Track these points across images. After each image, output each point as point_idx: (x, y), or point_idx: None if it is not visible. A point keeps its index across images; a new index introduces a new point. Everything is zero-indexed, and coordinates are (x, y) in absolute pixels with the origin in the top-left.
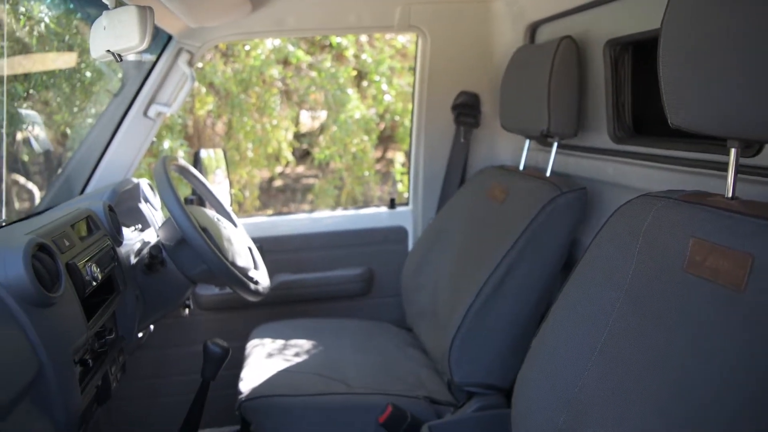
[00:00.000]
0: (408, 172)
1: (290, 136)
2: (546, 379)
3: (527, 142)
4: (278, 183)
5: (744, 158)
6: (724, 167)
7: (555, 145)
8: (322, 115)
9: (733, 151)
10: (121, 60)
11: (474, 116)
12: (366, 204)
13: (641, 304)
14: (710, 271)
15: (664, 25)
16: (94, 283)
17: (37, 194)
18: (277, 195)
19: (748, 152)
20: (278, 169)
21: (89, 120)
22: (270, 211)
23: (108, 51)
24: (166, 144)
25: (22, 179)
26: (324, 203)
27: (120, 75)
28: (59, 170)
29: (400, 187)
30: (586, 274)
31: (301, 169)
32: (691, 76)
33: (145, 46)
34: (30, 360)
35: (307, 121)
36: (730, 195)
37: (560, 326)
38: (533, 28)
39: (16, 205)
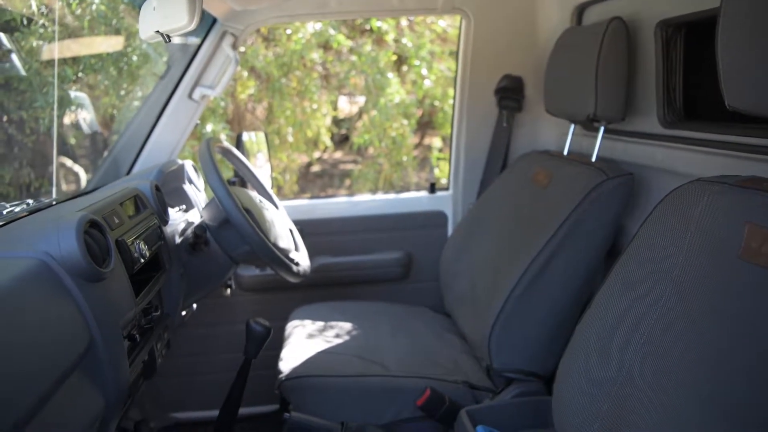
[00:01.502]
0: (449, 157)
1: (329, 121)
2: (590, 367)
3: (572, 126)
4: (316, 168)
5: None
6: None
7: (601, 129)
8: (361, 100)
9: None
10: (170, 40)
11: (517, 100)
12: (404, 190)
13: (691, 292)
14: (767, 259)
15: (724, 4)
16: (142, 260)
17: (83, 176)
18: (314, 180)
19: None
20: (316, 154)
21: (135, 102)
22: (308, 196)
23: (157, 32)
24: (209, 127)
25: (69, 161)
26: (361, 189)
27: (165, 58)
28: (106, 152)
29: (437, 172)
30: (633, 260)
31: (338, 154)
32: (751, 57)
33: (193, 26)
34: (82, 332)
35: (345, 106)
36: None
37: (605, 313)
38: (580, 10)
39: (64, 186)
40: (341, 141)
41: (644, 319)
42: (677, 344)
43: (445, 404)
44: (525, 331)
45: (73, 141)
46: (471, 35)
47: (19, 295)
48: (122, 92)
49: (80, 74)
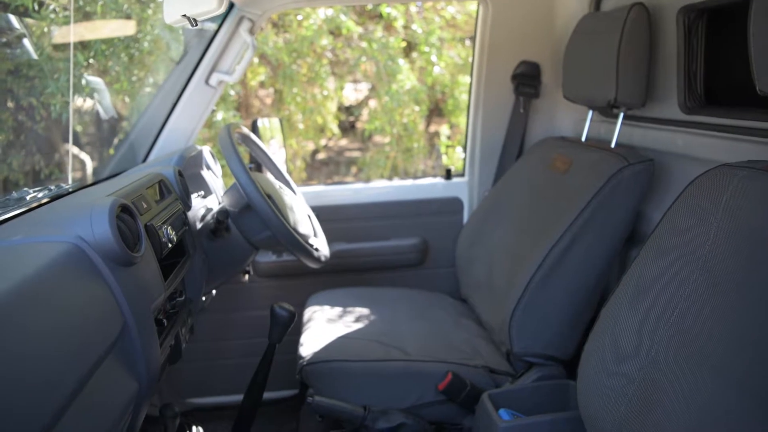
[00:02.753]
0: (464, 143)
1: (334, 108)
2: (616, 349)
3: (590, 112)
4: (322, 155)
5: None
6: None
7: (621, 115)
8: (365, 87)
9: None
10: (196, 25)
11: (534, 86)
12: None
13: (720, 275)
14: None
15: None
16: (170, 245)
17: (89, 164)
18: (320, 167)
19: None
20: (323, 141)
21: (148, 89)
22: (314, 183)
23: (183, 15)
24: (220, 115)
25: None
26: (369, 177)
27: (181, 44)
28: (115, 138)
29: (444, 159)
30: (660, 244)
31: (344, 141)
32: None
33: (222, 9)
34: (116, 317)
35: (350, 93)
36: None
37: (632, 296)
38: None
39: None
40: (347, 128)
41: (672, 301)
42: (705, 326)
43: (466, 388)
44: (545, 315)
45: (86, 128)
46: (488, 21)
47: (54, 279)
48: (134, 78)
49: (91, 60)
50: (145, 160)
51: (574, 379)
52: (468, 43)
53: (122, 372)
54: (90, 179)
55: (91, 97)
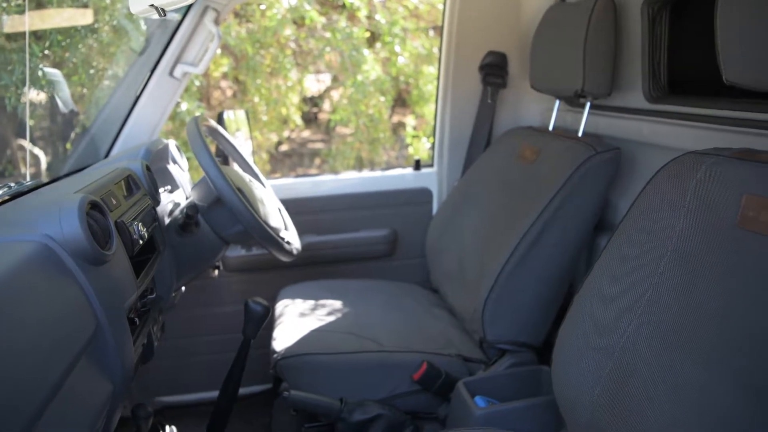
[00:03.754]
0: (433, 134)
1: (296, 99)
2: (589, 333)
3: (557, 102)
4: (285, 147)
5: None
6: (765, 125)
7: (588, 105)
8: (328, 78)
9: None
10: (164, 15)
11: (501, 77)
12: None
13: (689, 260)
14: (764, 226)
15: None
16: (141, 242)
17: (44, 159)
18: (284, 159)
19: None
20: (285, 133)
21: (107, 82)
22: (278, 175)
23: (152, 6)
24: (184, 106)
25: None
26: (332, 168)
27: (142, 35)
28: (78, 132)
29: (410, 150)
30: (630, 230)
31: (307, 133)
32: (750, 32)
33: None
34: (88, 317)
35: (313, 84)
36: None
37: (604, 282)
38: None
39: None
40: (310, 120)
41: (643, 286)
42: (676, 309)
43: (441, 377)
44: (517, 303)
45: (43, 121)
46: (455, 12)
47: (23, 281)
48: (93, 70)
49: (47, 51)
50: (107, 154)
51: (546, 365)
52: (432, 33)
53: (96, 373)
54: (46, 176)
55: (48, 90)
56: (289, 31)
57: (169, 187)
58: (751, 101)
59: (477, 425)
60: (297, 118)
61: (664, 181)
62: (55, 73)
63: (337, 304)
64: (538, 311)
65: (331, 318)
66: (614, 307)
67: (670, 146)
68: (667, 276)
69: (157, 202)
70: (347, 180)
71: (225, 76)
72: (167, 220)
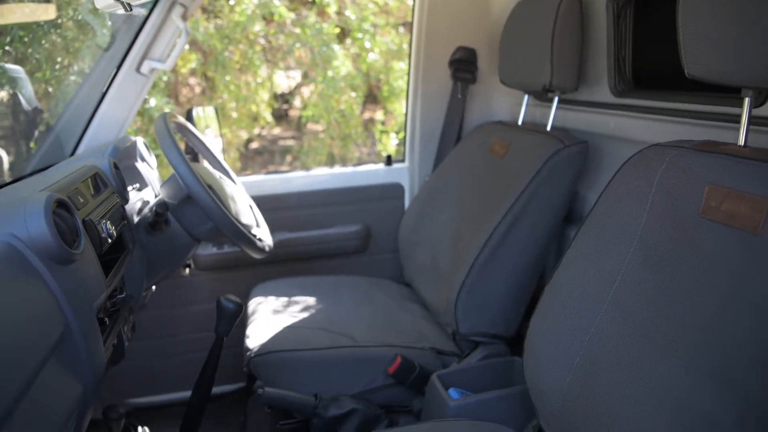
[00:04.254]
0: (404, 129)
1: (267, 96)
2: (560, 323)
3: (526, 97)
4: (255, 144)
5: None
6: (725, 118)
7: (556, 99)
8: (298, 74)
9: (746, 100)
10: (130, 9)
11: (471, 72)
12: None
13: (655, 250)
14: (726, 216)
15: None
16: (110, 241)
17: (5, 158)
18: (254, 157)
19: (755, 102)
20: (256, 130)
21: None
22: (249, 173)
23: (117, 0)
24: (152, 102)
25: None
26: (304, 165)
27: (108, 30)
28: (42, 130)
29: (380, 146)
30: (598, 222)
31: (277, 130)
32: (712, 27)
33: None
34: (57, 318)
35: (282, 80)
36: (742, 143)
37: (573, 273)
38: None
39: None
40: (280, 117)
41: (611, 276)
42: (642, 299)
43: (415, 370)
44: (489, 296)
45: (5, 120)
46: (425, 7)
47: None
48: (57, 66)
49: (8, 48)
50: (73, 153)
51: (518, 356)
52: (402, 29)
53: (66, 375)
54: (8, 175)
55: (10, 87)
56: (258, 26)
57: (137, 185)
58: (713, 95)
59: (451, 417)
60: (267, 115)
61: (629, 173)
62: (17, 70)
63: (309, 300)
64: (509, 303)
65: (304, 314)
66: (583, 298)
67: (635, 139)
68: (634, 266)
69: (125, 200)
70: (319, 176)
71: (193, 72)
72: (136, 219)
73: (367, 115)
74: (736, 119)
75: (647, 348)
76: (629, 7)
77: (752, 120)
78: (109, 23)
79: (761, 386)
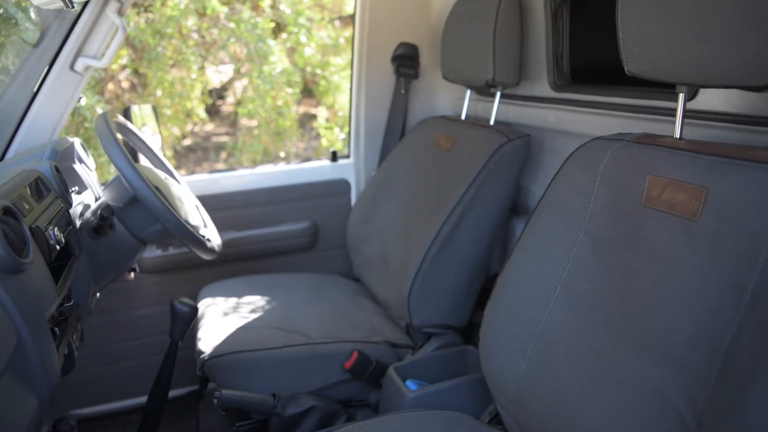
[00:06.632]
0: (348, 125)
1: (200, 91)
2: (514, 311)
3: (468, 92)
4: (188, 142)
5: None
6: (660, 111)
7: (498, 94)
8: (229, 69)
9: (681, 96)
10: (73, 7)
11: (413, 67)
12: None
13: (600, 238)
14: (667, 204)
15: None
16: (58, 247)
17: None
18: (187, 154)
19: (688, 96)
20: (188, 126)
21: None
22: (183, 171)
23: None
24: (83, 101)
25: None
26: (239, 162)
27: (35, 25)
28: None
29: (323, 143)
30: (547, 213)
31: (210, 126)
32: (649, 25)
33: None
34: (9, 330)
35: (213, 76)
36: (678, 136)
37: (525, 262)
38: None
39: None
40: (214, 113)
41: (560, 264)
42: (591, 285)
43: (371, 364)
44: (440, 288)
45: None
46: (367, 3)
47: None
48: None
49: None
50: (2, 157)
51: (471, 344)
52: (338, 23)
53: (20, 389)
54: None
55: None
56: (191, 21)
57: (76, 188)
58: (649, 90)
59: (409, 408)
60: (201, 112)
61: (574, 166)
62: None
63: (260, 299)
64: (460, 294)
65: (256, 314)
66: (535, 287)
67: (575, 132)
68: (582, 254)
69: (69, 204)
70: (264, 174)
71: (124, 68)
72: (78, 223)
73: (303, 110)
74: (670, 112)
75: (598, 331)
76: (565, 5)
77: (686, 114)
78: (34, 17)
79: (702, 365)
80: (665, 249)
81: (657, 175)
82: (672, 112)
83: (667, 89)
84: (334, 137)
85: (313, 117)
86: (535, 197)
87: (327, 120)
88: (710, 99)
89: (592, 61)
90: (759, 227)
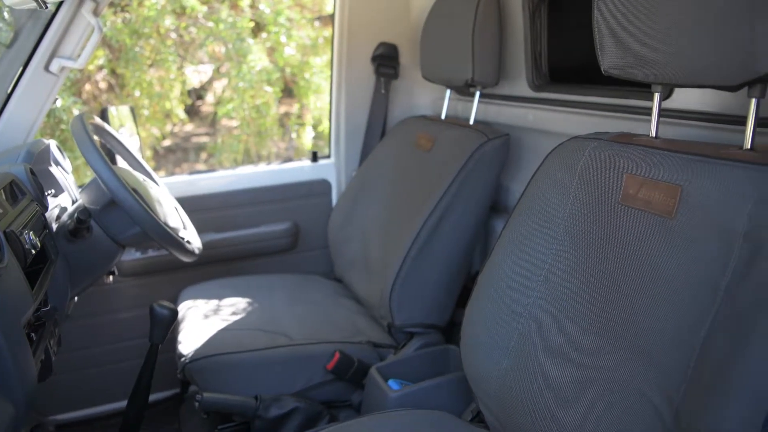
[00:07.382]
0: (329, 125)
1: (179, 92)
2: (494, 309)
3: (448, 92)
4: (168, 142)
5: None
6: (636, 110)
7: (477, 94)
8: (208, 69)
9: (657, 95)
10: (46, 7)
11: (393, 67)
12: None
13: (579, 235)
14: (643, 202)
15: None
16: (34, 252)
17: None
18: (167, 155)
19: (663, 96)
20: (167, 127)
21: None
22: (163, 173)
23: None
24: (58, 102)
25: None
26: (219, 162)
27: (8, 26)
28: None
29: (299, 141)
30: (526, 211)
31: (190, 127)
32: (625, 26)
33: None
34: None
35: (193, 76)
36: (654, 135)
37: (505, 260)
38: None
39: None
40: (193, 113)
41: (540, 261)
42: (571, 282)
43: (354, 365)
44: (422, 287)
45: None
46: (347, 3)
47: None
48: None
49: None
50: None
51: (452, 343)
52: (317, 23)
53: None
54: None
55: None
56: (169, 20)
57: (53, 191)
58: (626, 89)
59: (392, 407)
60: (180, 112)
61: (553, 165)
62: None
63: (242, 301)
64: (442, 293)
65: (238, 316)
66: (515, 285)
67: (553, 131)
68: (560, 253)
69: (45, 207)
70: (244, 175)
71: (101, 68)
72: (55, 226)
73: (283, 109)
74: (646, 111)
75: (578, 328)
76: (543, 5)
77: (661, 112)
78: (7, 17)
79: (678, 362)
80: (642, 247)
81: (633, 173)
82: (648, 111)
83: (643, 88)
84: (306, 135)
85: (296, 117)
86: (515, 196)
87: (298, 117)
88: (685, 98)
89: (570, 61)
90: (732, 225)
